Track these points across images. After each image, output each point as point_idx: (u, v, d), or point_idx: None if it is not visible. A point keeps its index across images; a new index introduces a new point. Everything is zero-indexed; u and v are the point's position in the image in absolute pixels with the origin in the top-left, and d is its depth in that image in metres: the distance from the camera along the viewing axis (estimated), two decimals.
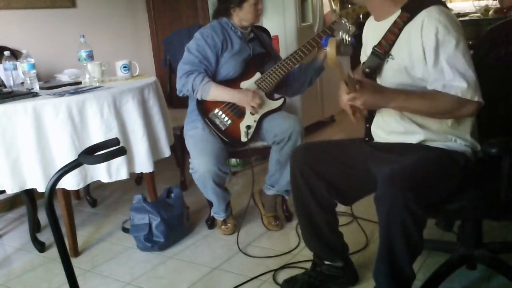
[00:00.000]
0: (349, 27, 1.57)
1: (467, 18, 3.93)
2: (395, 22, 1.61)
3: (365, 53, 1.76)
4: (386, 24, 1.64)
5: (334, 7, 4.35)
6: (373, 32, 1.72)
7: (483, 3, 4.30)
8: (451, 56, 1.50)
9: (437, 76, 1.52)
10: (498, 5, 3.87)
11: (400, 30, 1.59)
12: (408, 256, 1.47)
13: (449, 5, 5.15)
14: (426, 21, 1.53)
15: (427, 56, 1.54)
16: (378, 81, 1.69)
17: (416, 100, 1.53)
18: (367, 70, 1.68)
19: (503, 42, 1.74)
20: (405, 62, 1.59)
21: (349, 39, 1.41)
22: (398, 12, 1.62)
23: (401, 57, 1.60)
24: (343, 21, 1.56)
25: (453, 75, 1.49)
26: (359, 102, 1.47)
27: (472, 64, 1.52)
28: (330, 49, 1.26)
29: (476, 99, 1.49)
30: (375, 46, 1.65)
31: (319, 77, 2.59)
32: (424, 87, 1.57)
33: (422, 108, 1.54)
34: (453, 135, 1.62)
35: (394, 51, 1.62)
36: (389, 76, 1.66)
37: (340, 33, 1.41)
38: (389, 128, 1.70)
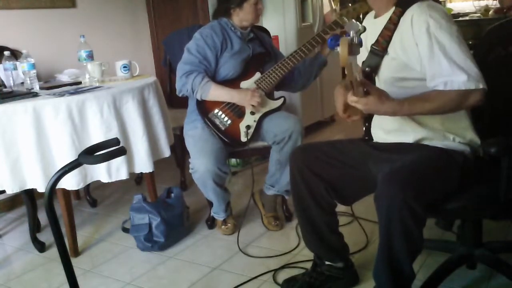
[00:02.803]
0: (360, 26, 1.59)
1: (467, 18, 3.92)
2: (390, 18, 1.62)
3: (366, 49, 1.74)
4: (382, 21, 1.65)
5: (334, 7, 4.35)
6: (370, 31, 1.72)
7: (483, 3, 4.28)
8: (447, 49, 1.49)
9: (435, 71, 1.51)
10: (498, 5, 3.86)
11: (395, 25, 1.60)
12: (408, 255, 1.47)
13: (449, 5, 5.14)
14: (416, 17, 1.53)
15: (421, 52, 1.53)
16: (376, 78, 1.69)
17: (420, 105, 1.51)
18: (366, 69, 1.67)
19: (503, 42, 1.74)
20: (400, 56, 1.59)
21: (359, 38, 1.41)
22: (393, 8, 1.63)
23: (396, 52, 1.60)
24: (353, 21, 1.58)
25: (451, 69, 1.48)
26: (361, 107, 1.45)
27: (469, 54, 1.50)
28: (342, 49, 1.27)
29: (480, 86, 1.47)
30: (373, 44, 1.66)
31: (320, 74, 2.62)
32: (422, 81, 1.56)
33: (428, 110, 1.53)
34: (451, 133, 1.62)
35: (390, 47, 1.62)
36: (385, 71, 1.66)
37: (352, 32, 1.41)
38: (387, 127, 1.70)
